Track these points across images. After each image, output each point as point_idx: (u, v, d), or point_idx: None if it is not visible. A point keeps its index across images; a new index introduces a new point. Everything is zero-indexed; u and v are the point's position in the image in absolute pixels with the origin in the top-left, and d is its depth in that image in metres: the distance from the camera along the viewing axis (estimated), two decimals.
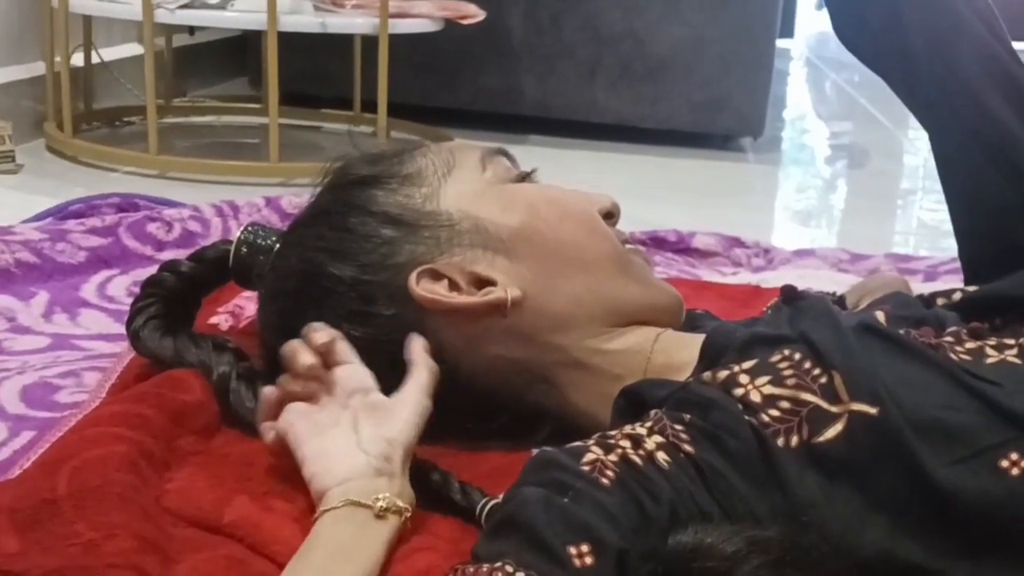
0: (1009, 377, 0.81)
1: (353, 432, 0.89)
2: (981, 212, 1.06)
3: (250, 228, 1.10)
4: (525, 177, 1.06)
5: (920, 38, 1.05)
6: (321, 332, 0.93)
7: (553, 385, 0.99)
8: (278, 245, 1.06)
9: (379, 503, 0.82)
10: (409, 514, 0.84)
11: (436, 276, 0.97)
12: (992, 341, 0.86)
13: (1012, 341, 0.86)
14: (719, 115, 2.81)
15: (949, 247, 2.10)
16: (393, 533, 0.82)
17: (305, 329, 0.94)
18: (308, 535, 0.80)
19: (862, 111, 3.96)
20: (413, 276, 0.96)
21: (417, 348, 0.95)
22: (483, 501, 0.88)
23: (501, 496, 0.81)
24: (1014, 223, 1.03)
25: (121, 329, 1.12)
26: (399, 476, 0.86)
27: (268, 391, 0.93)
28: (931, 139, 1.10)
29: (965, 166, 1.05)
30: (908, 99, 1.12)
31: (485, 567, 0.70)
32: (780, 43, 3.51)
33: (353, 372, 0.93)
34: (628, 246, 1.05)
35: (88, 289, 1.41)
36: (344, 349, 0.94)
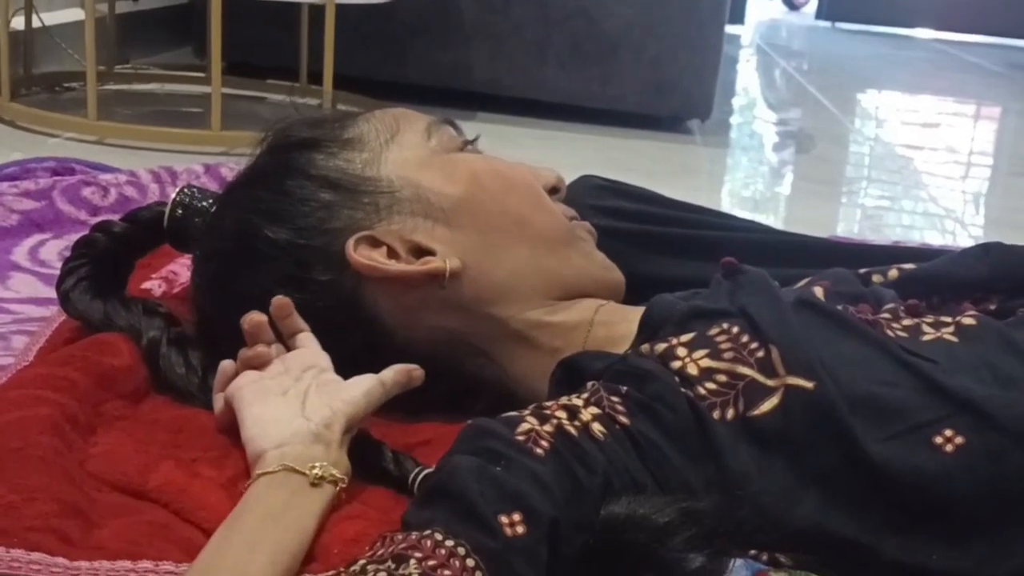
0: (945, 354, 0.82)
1: (299, 402, 0.87)
2: None
3: (186, 190, 1.07)
4: (468, 144, 1.04)
5: None
6: (286, 308, 0.94)
7: (491, 357, 0.98)
8: (214, 207, 1.04)
9: (315, 471, 0.80)
10: (344, 485, 0.82)
11: (374, 243, 0.96)
12: (929, 319, 0.87)
13: (949, 319, 0.86)
14: (667, 96, 2.81)
15: (891, 232, 2.12)
16: (326, 503, 0.80)
17: (275, 301, 0.94)
18: (242, 498, 0.78)
19: (810, 98, 3.98)
20: (351, 242, 0.95)
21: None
22: (416, 470, 0.86)
23: (434, 466, 0.80)
24: None
25: (52, 294, 1.09)
26: (336, 445, 0.84)
27: (226, 364, 0.93)
28: None
29: None
30: None
31: (414, 534, 0.69)
32: (730, 29, 3.53)
33: (310, 352, 0.93)
34: (573, 221, 1.05)
35: (20, 253, 1.38)
36: (307, 337, 0.94)
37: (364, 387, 0.89)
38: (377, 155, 0.99)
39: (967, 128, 3.97)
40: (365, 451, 0.89)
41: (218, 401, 0.92)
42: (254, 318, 0.93)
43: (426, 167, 0.99)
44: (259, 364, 0.92)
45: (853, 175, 2.79)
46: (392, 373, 0.91)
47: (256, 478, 0.80)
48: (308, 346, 0.94)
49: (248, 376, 0.91)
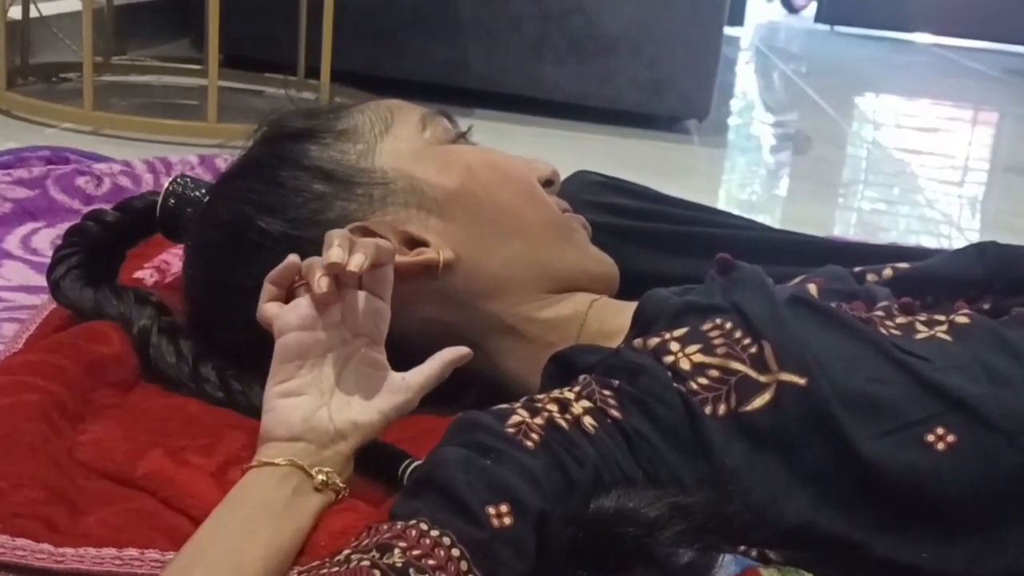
0: (938, 353, 0.81)
1: (333, 377, 0.83)
2: None
3: (179, 179, 1.07)
4: (461, 136, 1.04)
5: None
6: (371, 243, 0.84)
7: (484, 350, 0.98)
8: (207, 197, 1.03)
9: (320, 476, 0.78)
10: (345, 496, 0.80)
11: (368, 234, 0.95)
12: (923, 317, 0.87)
13: (943, 318, 0.86)
14: (665, 96, 2.80)
15: (887, 236, 2.12)
16: (324, 506, 0.78)
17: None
18: (239, 483, 0.77)
19: (808, 101, 3.98)
20: None
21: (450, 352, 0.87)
22: (406, 462, 0.86)
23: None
24: None
25: (43, 282, 1.09)
26: (344, 455, 0.82)
27: (293, 261, 0.84)
28: None
29: None
30: None
31: (399, 524, 0.68)
32: (729, 31, 3.53)
33: (374, 312, 0.85)
34: (567, 214, 1.04)
35: (12, 241, 1.38)
36: (382, 280, 0.85)
37: (398, 401, 0.84)
38: (371, 146, 0.99)
39: (965, 133, 3.97)
40: None
41: (267, 300, 0.84)
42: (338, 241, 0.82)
43: (420, 158, 0.99)
44: (320, 303, 0.83)
45: (850, 178, 2.78)
46: (439, 367, 0.86)
47: (259, 465, 0.78)
48: (381, 295, 0.85)
49: (301, 314, 0.82)
